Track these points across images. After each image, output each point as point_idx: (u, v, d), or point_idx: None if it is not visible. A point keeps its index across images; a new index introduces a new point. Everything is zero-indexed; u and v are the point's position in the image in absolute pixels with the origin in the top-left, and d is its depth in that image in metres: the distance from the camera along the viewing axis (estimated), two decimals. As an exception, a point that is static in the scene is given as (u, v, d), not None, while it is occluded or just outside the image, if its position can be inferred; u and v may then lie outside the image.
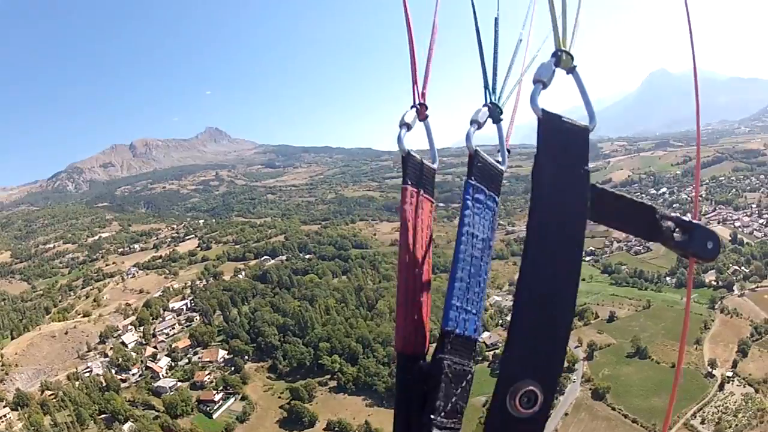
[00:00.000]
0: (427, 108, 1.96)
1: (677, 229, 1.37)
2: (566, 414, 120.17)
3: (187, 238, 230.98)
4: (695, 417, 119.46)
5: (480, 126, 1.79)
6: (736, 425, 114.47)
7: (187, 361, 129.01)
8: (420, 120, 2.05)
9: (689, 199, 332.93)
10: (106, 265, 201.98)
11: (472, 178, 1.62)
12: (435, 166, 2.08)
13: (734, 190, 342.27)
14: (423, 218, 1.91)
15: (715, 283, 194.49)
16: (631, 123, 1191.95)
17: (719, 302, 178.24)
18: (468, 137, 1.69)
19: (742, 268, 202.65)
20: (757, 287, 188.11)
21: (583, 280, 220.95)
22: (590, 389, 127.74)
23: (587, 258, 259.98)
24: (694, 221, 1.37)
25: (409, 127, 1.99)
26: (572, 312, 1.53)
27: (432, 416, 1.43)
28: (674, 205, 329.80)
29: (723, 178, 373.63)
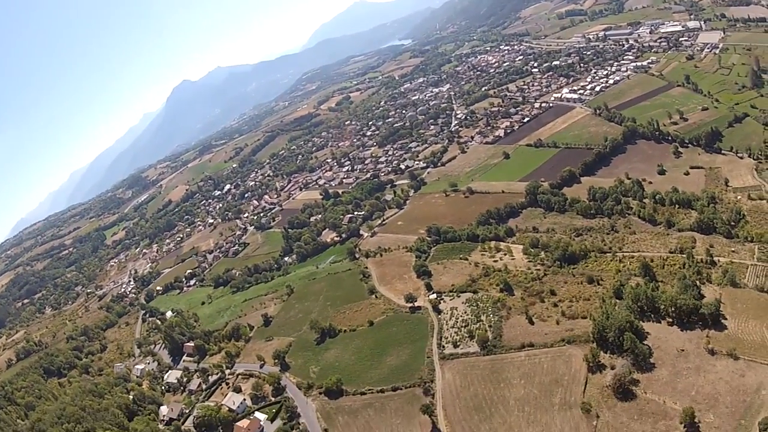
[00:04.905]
0: None
1: None
2: (326, 430, 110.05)
3: None
4: (442, 348, 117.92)
5: None
6: (491, 326, 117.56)
7: None
8: None
9: (256, 185, 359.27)
10: None
11: None
12: None
13: (300, 156, 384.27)
14: None
15: (338, 239, 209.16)
16: (166, 142, 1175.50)
17: (357, 251, 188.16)
18: None
19: (356, 213, 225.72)
20: (385, 220, 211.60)
21: (203, 303, 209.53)
22: (320, 393, 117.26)
23: (191, 282, 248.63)
24: None
25: None
26: None
27: None
28: (246, 195, 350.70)
29: (283, 151, 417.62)
